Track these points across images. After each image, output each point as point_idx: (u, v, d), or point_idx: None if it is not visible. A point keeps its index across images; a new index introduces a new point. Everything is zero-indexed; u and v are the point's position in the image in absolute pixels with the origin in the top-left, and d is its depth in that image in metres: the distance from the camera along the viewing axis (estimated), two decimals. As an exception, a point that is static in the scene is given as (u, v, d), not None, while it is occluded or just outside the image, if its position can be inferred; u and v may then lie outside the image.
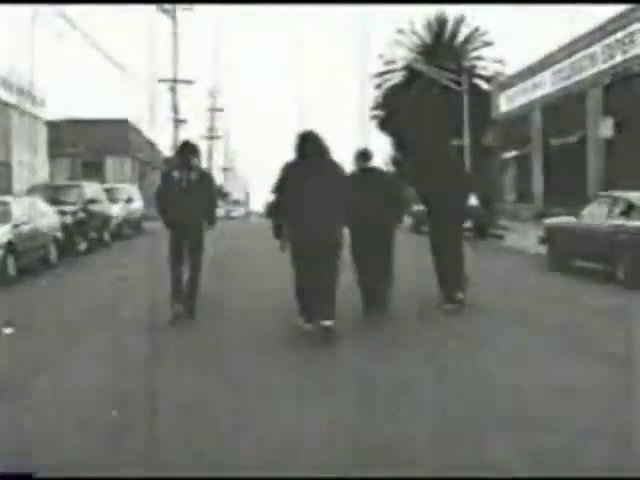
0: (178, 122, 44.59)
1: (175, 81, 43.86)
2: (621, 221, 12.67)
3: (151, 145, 54.21)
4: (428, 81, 39.37)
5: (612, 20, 25.54)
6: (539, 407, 5.73)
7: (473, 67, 42.12)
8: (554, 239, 15.03)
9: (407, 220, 22.88)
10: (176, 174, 9.84)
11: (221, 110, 71.22)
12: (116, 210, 24.64)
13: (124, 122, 45.52)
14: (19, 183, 28.38)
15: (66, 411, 5.71)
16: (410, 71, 42.07)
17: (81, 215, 19.83)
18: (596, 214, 13.63)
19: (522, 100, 33.94)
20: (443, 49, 43.49)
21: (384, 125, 45.94)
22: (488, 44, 43.80)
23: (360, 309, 9.62)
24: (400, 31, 44.50)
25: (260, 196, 66.53)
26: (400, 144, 45.34)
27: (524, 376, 6.65)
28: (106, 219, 22.75)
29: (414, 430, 5.17)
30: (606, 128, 24.78)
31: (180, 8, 42.71)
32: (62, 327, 9.11)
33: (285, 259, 8.67)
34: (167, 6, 42.09)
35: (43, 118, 34.73)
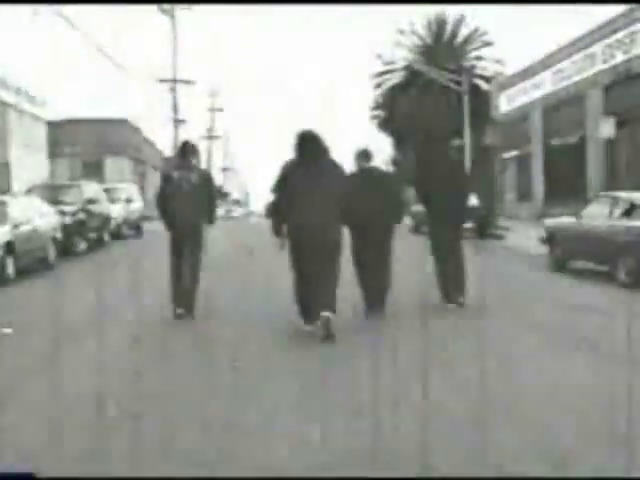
0: (178, 122, 44.57)
1: (175, 81, 43.84)
2: (622, 221, 12.65)
3: (151, 145, 54.25)
4: (428, 81, 39.34)
5: (612, 20, 25.53)
6: (540, 407, 5.71)
7: (473, 67, 42.09)
8: (555, 239, 15.00)
9: (407, 220, 22.87)
10: (176, 175, 9.85)
11: (221, 110, 71.30)
12: (115, 210, 24.60)
13: (124, 122, 45.54)
14: (18, 183, 28.36)
15: (63, 411, 5.68)
16: (410, 71, 42.04)
17: (80, 215, 19.80)
18: (597, 214, 13.60)
19: (522, 100, 33.93)
20: (443, 49, 43.45)
21: (384, 125, 45.92)
22: (488, 44, 43.76)
23: (360, 309, 9.60)
24: (400, 31, 44.48)
25: (260, 196, 66.63)
26: (400, 144, 45.33)
27: (524, 376, 6.62)
28: (105, 219, 22.71)
29: (414, 430, 5.14)
30: (607, 128, 24.76)
31: (179, 8, 42.69)
32: (61, 327, 9.06)
33: (285, 259, 8.65)
34: (166, 6, 42.07)
35: (43, 118, 34.73)
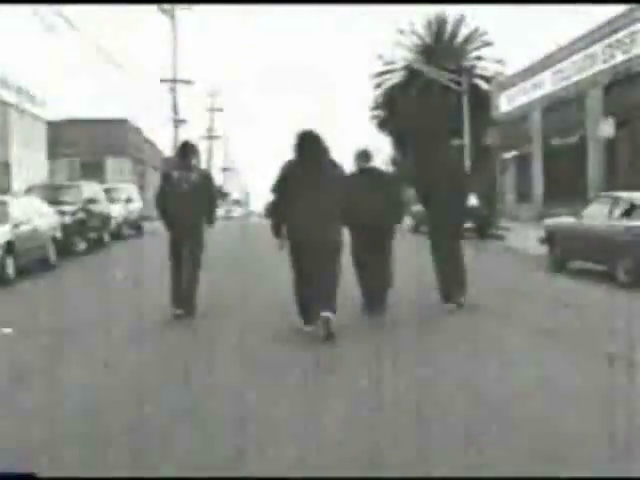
0: (178, 122, 44.56)
1: (175, 81, 43.83)
2: (622, 222, 12.63)
3: (151, 145, 54.24)
4: (428, 81, 39.34)
5: (612, 20, 25.52)
6: (540, 408, 5.69)
7: (473, 67, 42.10)
8: (554, 240, 14.98)
9: (407, 220, 22.87)
10: (176, 175, 9.86)
11: (221, 110, 71.26)
12: (115, 210, 24.60)
13: (124, 122, 45.53)
14: (18, 183, 28.36)
15: (62, 411, 5.67)
16: (410, 71, 42.04)
17: (80, 215, 19.79)
18: (597, 214, 13.59)
19: (522, 100, 33.92)
20: (443, 49, 43.45)
21: (384, 125, 45.92)
22: (488, 44, 43.77)
23: (360, 309, 9.60)
24: (400, 31, 44.48)
25: (260, 196, 66.60)
26: (400, 144, 45.32)
27: (523, 376, 6.61)
28: (105, 219, 22.71)
29: (414, 430, 5.14)
30: (607, 128, 24.76)
31: (179, 8, 42.68)
32: (61, 328, 9.07)
33: (285, 259, 8.64)
34: (166, 6, 42.06)
35: (43, 118, 34.72)
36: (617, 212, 12.97)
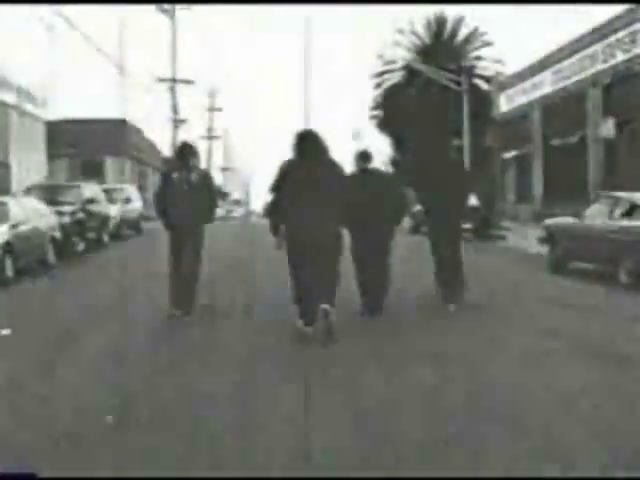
0: (177, 122, 44.53)
1: (174, 81, 43.80)
2: (624, 222, 12.60)
3: (150, 145, 54.21)
4: (428, 81, 39.30)
5: (612, 20, 25.51)
6: (540, 408, 5.67)
7: (473, 67, 42.06)
8: (555, 240, 14.95)
9: (407, 221, 22.85)
10: (176, 176, 9.87)
11: (220, 110, 71.23)
12: (114, 210, 24.56)
13: (123, 122, 45.49)
14: (17, 183, 28.32)
15: (61, 413, 5.65)
16: (410, 71, 42.01)
17: (79, 215, 19.75)
18: (598, 215, 13.55)
19: (522, 100, 33.91)
20: (443, 49, 43.42)
21: (383, 125, 45.89)
22: (488, 44, 43.75)
23: (359, 310, 9.58)
24: (400, 31, 44.46)
25: (260, 196, 66.52)
26: (399, 144, 45.29)
27: (525, 377, 6.59)
28: (104, 219, 22.67)
29: (414, 430, 5.12)
30: (607, 128, 24.74)
31: (178, 7, 42.66)
32: (60, 328, 9.05)
33: (285, 259, 8.62)
34: (166, 6, 42.03)
35: (42, 118, 34.68)
36: (618, 212, 12.94)
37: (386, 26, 61.22)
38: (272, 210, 8.62)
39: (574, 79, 28.39)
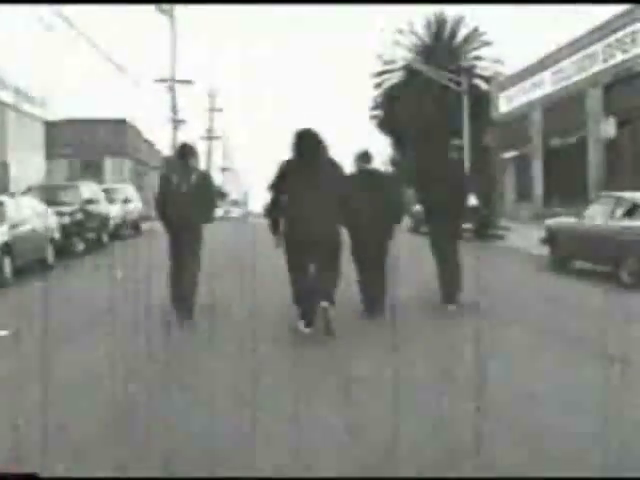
0: (177, 122, 44.50)
1: (173, 81, 43.77)
2: (625, 222, 12.56)
3: (150, 145, 54.20)
4: (427, 81, 39.29)
5: (612, 20, 25.48)
6: (541, 408, 5.65)
7: (472, 67, 42.07)
8: (556, 240, 14.92)
9: (407, 221, 22.84)
10: (175, 177, 9.90)
11: (220, 110, 71.21)
12: (114, 210, 24.55)
13: (122, 122, 45.47)
14: (16, 183, 28.28)
15: (59, 415, 5.61)
16: (409, 71, 42.01)
17: (78, 216, 19.73)
18: (599, 214, 13.52)
19: (522, 100, 33.89)
20: (442, 49, 43.44)
21: (383, 125, 45.89)
22: (487, 44, 43.77)
23: (360, 309, 9.58)
24: (399, 31, 44.47)
25: (259, 196, 66.57)
26: (399, 144, 45.29)
27: (526, 377, 6.56)
28: (104, 220, 22.65)
29: (413, 430, 5.10)
30: (608, 128, 24.72)
31: (177, 8, 42.63)
32: (59, 329, 9.01)
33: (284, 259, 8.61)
34: (165, 6, 41.99)
35: (41, 118, 34.65)
36: (619, 212, 12.90)
37: (386, 26, 61.23)
38: (271, 209, 8.61)
39: (574, 79, 28.37)
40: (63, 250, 17.39)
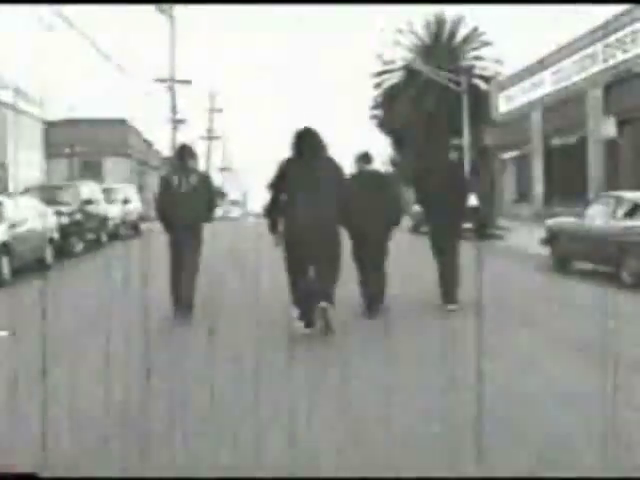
0: (176, 122, 44.49)
1: (173, 81, 43.75)
2: (626, 222, 12.53)
3: (149, 145, 54.23)
4: (427, 81, 39.28)
5: (612, 20, 25.47)
6: (540, 408, 5.62)
7: (472, 67, 42.03)
8: (556, 240, 14.89)
9: (407, 221, 22.82)
10: (175, 178, 9.95)
11: (220, 111, 71.19)
12: (113, 211, 24.53)
13: (122, 122, 45.53)
14: (15, 183, 28.27)
15: (58, 415, 5.58)
16: (409, 71, 41.98)
17: (78, 216, 19.70)
18: (599, 214, 13.48)
19: (522, 100, 33.89)
20: (442, 49, 43.41)
21: (383, 125, 45.87)
22: (487, 44, 43.73)
23: (359, 309, 9.56)
24: (399, 31, 44.44)
25: (258, 196, 66.54)
26: (399, 144, 45.27)
27: (524, 378, 6.54)
28: (103, 220, 22.63)
29: (413, 430, 5.07)
30: (608, 128, 24.71)
31: (177, 8, 42.61)
32: (58, 330, 8.97)
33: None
34: (164, 6, 41.98)
35: (40, 118, 34.66)
36: (620, 212, 12.87)
37: (386, 26, 61.18)
38: (270, 208, 8.60)
39: (574, 79, 28.35)
40: (62, 250, 17.37)
